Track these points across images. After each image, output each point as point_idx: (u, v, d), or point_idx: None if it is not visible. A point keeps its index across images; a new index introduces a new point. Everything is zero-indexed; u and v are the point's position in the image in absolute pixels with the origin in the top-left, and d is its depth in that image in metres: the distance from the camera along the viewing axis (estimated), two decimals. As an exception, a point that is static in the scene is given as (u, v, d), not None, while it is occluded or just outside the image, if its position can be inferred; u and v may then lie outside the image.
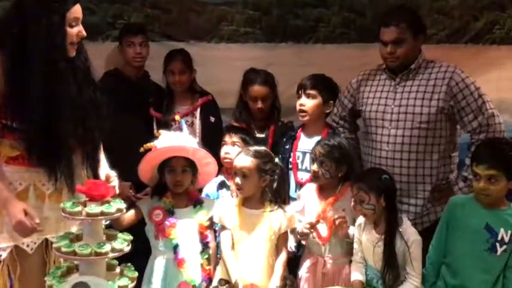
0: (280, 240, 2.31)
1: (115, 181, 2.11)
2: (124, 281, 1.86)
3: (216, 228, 2.46)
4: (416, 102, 2.52)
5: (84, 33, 2.01)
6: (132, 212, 2.31)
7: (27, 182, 2.00)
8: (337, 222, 2.31)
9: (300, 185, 2.62)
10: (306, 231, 2.35)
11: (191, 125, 2.92)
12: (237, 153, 2.41)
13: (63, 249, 1.79)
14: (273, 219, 2.29)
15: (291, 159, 2.69)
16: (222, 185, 2.63)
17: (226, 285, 2.08)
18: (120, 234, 1.91)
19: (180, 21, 3.31)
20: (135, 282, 1.93)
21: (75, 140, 2.01)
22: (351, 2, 3.48)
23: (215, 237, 2.47)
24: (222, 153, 2.63)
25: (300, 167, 2.67)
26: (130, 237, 1.92)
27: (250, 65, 3.02)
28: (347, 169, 2.41)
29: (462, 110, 2.50)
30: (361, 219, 2.31)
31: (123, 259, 1.96)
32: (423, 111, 2.50)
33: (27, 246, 1.98)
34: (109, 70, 3.05)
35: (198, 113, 2.96)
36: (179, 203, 2.37)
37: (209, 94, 3.01)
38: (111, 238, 1.87)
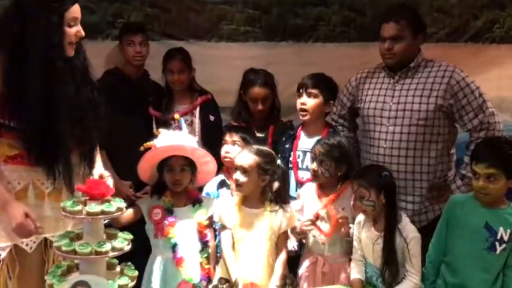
0: (280, 240, 2.31)
1: (109, 180, 2.11)
2: (124, 280, 1.86)
3: (216, 227, 2.47)
4: (415, 99, 2.53)
5: (82, 33, 2.00)
6: (130, 210, 2.31)
7: (26, 181, 2.00)
8: (340, 221, 2.31)
9: (300, 184, 2.62)
10: (305, 228, 2.36)
11: (190, 124, 2.92)
12: (240, 151, 2.42)
13: (64, 248, 1.80)
14: (273, 218, 2.29)
15: (291, 159, 2.69)
16: (222, 184, 2.63)
17: (226, 284, 2.08)
18: (120, 233, 1.91)
19: (180, 20, 3.30)
20: (135, 281, 1.93)
21: (73, 140, 2.01)
22: (351, 1, 3.47)
23: (215, 236, 2.48)
24: (222, 153, 2.63)
25: (300, 166, 2.67)
26: (130, 236, 1.93)
27: (250, 64, 3.01)
28: (346, 168, 2.42)
29: (462, 108, 2.50)
30: (360, 217, 2.31)
31: (123, 258, 1.96)
32: (421, 108, 2.51)
33: (27, 245, 1.98)
34: (109, 69, 3.05)
35: (197, 111, 2.95)
36: (178, 202, 2.37)
37: (208, 93, 3.01)
38: (111, 237, 1.87)
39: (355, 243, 2.33)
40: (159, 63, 2.97)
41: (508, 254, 2.16)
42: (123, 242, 1.87)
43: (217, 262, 2.43)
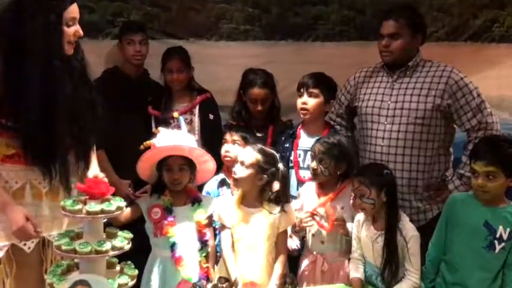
0: (280, 239, 2.31)
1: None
2: (124, 279, 1.86)
3: (216, 227, 2.47)
4: (413, 98, 2.55)
5: (81, 32, 2.00)
6: (128, 209, 2.31)
7: (23, 180, 2.00)
8: (335, 223, 2.31)
9: (301, 183, 2.63)
10: (305, 225, 2.36)
11: (190, 123, 2.91)
12: (246, 147, 2.43)
13: (64, 248, 1.80)
14: (272, 218, 2.29)
15: (291, 158, 2.70)
16: (222, 183, 2.63)
17: (226, 283, 2.08)
18: (120, 233, 1.91)
19: (180, 19, 3.30)
20: (135, 280, 1.93)
21: (70, 139, 2.01)
22: (350, 0, 3.47)
23: (215, 235, 2.48)
24: (223, 152, 2.64)
25: (301, 165, 2.68)
26: (130, 235, 1.92)
27: (249, 62, 3.01)
28: (346, 167, 2.42)
29: (461, 108, 2.52)
30: (359, 216, 2.32)
31: (123, 257, 1.96)
32: (419, 107, 2.52)
33: (25, 245, 1.98)
34: (108, 68, 3.05)
35: (196, 110, 2.95)
36: (178, 201, 2.37)
37: (207, 92, 3.01)
38: (111, 236, 1.87)
39: (354, 242, 2.33)
40: (159, 62, 2.97)
41: (508, 253, 2.16)
42: (123, 241, 1.87)
43: (216, 262, 2.43)
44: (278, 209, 2.29)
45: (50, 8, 1.90)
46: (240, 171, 2.29)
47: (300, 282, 2.39)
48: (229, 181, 2.60)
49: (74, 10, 1.98)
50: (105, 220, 1.97)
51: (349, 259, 2.36)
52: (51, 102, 1.91)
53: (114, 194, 1.96)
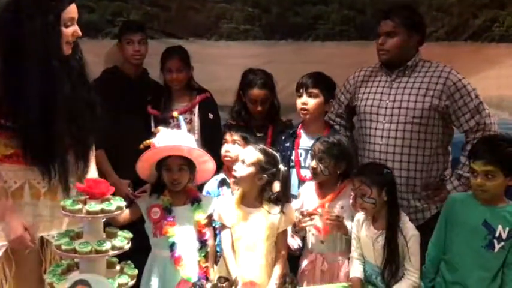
0: (279, 239, 2.31)
1: None
2: (124, 279, 1.86)
3: (216, 226, 2.47)
4: (411, 97, 2.56)
5: (79, 33, 2.00)
6: (127, 211, 2.31)
7: (22, 180, 1.99)
8: (328, 221, 2.31)
9: (303, 182, 2.63)
10: (304, 225, 2.36)
11: (190, 122, 2.91)
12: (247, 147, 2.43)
13: (64, 247, 1.79)
14: (272, 217, 2.29)
15: (292, 157, 2.69)
16: (222, 183, 2.63)
17: (226, 282, 2.08)
18: (120, 232, 1.91)
19: (180, 18, 3.30)
20: (135, 280, 1.93)
21: (69, 139, 2.01)
22: (350, 0, 3.47)
23: (215, 235, 2.48)
24: (223, 151, 2.63)
25: (302, 164, 2.68)
26: (130, 235, 1.92)
27: (249, 62, 3.02)
28: (346, 167, 2.42)
29: (459, 109, 2.53)
30: (359, 215, 2.32)
31: (123, 257, 1.96)
32: (417, 106, 2.53)
33: None
34: (108, 68, 3.05)
35: (196, 110, 2.95)
36: (177, 201, 2.37)
37: (207, 91, 3.01)
38: (111, 236, 1.87)
39: (353, 241, 2.33)
40: (159, 62, 2.97)
41: (507, 252, 2.16)
42: (122, 240, 1.86)
43: (216, 261, 2.43)
44: (278, 209, 2.29)
45: (48, 8, 1.90)
46: (240, 170, 2.29)
47: (299, 281, 2.39)
48: (230, 181, 2.60)
49: (72, 10, 1.97)
50: (103, 220, 1.97)
51: (348, 259, 2.36)
52: (50, 102, 1.91)
53: (113, 194, 1.95)
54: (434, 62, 2.64)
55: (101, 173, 2.51)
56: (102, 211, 1.82)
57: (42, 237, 2.03)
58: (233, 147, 2.61)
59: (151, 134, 2.45)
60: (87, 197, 1.86)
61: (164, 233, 2.29)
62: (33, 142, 1.91)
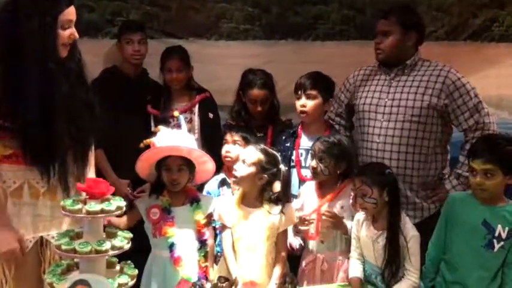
0: (280, 239, 2.30)
1: None
2: (124, 279, 1.86)
3: (217, 226, 2.47)
4: (409, 96, 2.57)
5: (76, 35, 1.99)
6: (124, 218, 2.30)
7: (21, 180, 1.99)
8: (323, 217, 2.32)
9: (303, 182, 2.63)
10: (302, 228, 2.37)
11: (190, 122, 2.92)
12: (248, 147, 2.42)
13: (63, 247, 1.79)
14: (272, 218, 2.28)
15: (293, 157, 2.69)
16: (223, 183, 2.63)
17: (226, 282, 2.08)
18: (120, 232, 1.91)
19: (179, 18, 3.30)
20: (135, 280, 1.93)
21: (68, 140, 2.01)
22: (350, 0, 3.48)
23: (215, 234, 2.48)
24: (223, 152, 2.63)
25: (303, 164, 2.68)
26: (130, 235, 1.92)
27: (249, 62, 3.02)
28: (346, 166, 2.42)
29: (458, 108, 2.53)
30: (359, 215, 2.32)
31: (123, 256, 1.96)
32: (415, 105, 2.54)
33: None
34: (107, 67, 3.04)
35: (196, 109, 2.95)
36: (176, 201, 2.37)
37: (207, 91, 3.01)
38: (111, 236, 1.87)
39: (353, 241, 2.33)
40: (158, 62, 2.97)
41: (507, 252, 2.16)
42: (122, 240, 1.86)
43: (216, 261, 2.43)
44: (278, 209, 2.29)
45: (46, 9, 1.90)
46: (241, 169, 2.29)
47: (300, 281, 2.39)
48: (230, 181, 2.60)
49: (70, 12, 1.97)
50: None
51: (348, 258, 2.36)
52: (48, 102, 1.90)
53: (113, 194, 1.95)
54: (434, 61, 2.65)
55: (100, 172, 2.52)
56: (102, 211, 1.81)
57: (41, 237, 2.02)
58: (233, 147, 2.61)
59: (152, 133, 2.45)
60: (87, 197, 1.86)
61: (163, 234, 2.29)
62: (32, 142, 1.91)
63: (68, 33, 1.97)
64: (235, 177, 2.31)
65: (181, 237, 2.31)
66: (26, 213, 2.00)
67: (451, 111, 2.55)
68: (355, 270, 2.29)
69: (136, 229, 2.25)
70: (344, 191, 2.41)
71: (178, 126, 2.72)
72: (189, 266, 2.30)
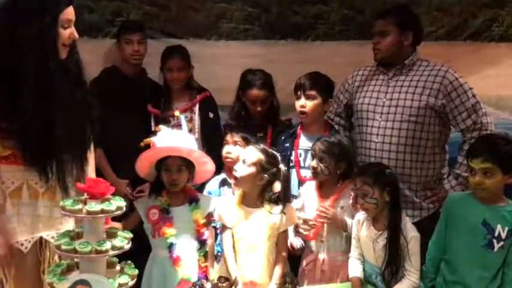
0: (280, 239, 2.30)
1: None
2: (124, 279, 1.86)
3: (217, 226, 2.47)
4: (407, 96, 2.57)
5: (76, 35, 1.99)
6: (119, 224, 2.30)
7: (20, 180, 1.99)
8: (317, 212, 2.33)
9: (303, 182, 2.63)
10: (303, 232, 2.38)
11: (190, 121, 2.92)
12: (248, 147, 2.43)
13: (64, 247, 1.79)
14: (273, 217, 2.29)
15: (292, 157, 2.69)
16: (223, 183, 2.63)
17: (226, 282, 2.08)
18: (120, 232, 1.91)
19: (179, 18, 3.30)
20: (135, 280, 1.93)
21: (66, 141, 2.01)
22: (350, -1, 3.49)
23: (216, 234, 2.48)
24: (224, 153, 2.64)
25: (302, 164, 2.68)
26: (130, 235, 1.92)
27: (249, 62, 3.02)
28: (346, 167, 2.42)
29: (455, 108, 2.54)
30: (359, 216, 2.32)
31: (123, 256, 1.96)
32: (413, 104, 2.55)
33: (22, 245, 1.98)
34: (106, 67, 3.04)
35: (196, 108, 2.95)
36: (175, 201, 2.37)
37: (207, 90, 3.01)
38: (111, 236, 1.87)
39: (353, 241, 2.33)
40: (158, 62, 2.97)
41: (507, 252, 2.17)
42: (123, 240, 1.86)
43: (216, 261, 2.43)
44: (278, 209, 2.29)
45: (46, 9, 1.89)
46: (241, 170, 2.29)
47: (300, 281, 2.39)
48: (230, 181, 2.60)
49: (69, 12, 1.97)
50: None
51: (348, 258, 2.36)
52: (47, 103, 1.90)
53: (113, 194, 1.95)
54: (432, 61, 2.66)
55: (100, 172, 2.52)
56: (103, 211, 1.81)
57: (41, 238, 2.02)
58: (234, 148, 2.61)
59: (152, 133, 2.45)
60: (88, 197, 1.86)
61: (162, 234, 2.29)
62: (30, 143, 1.90)
63: (68, 32, 1.96)
64: (235, 178, 2.31)
65: (181, 237, 2.31)
66: (25, 213, 1.99)
67: (448, 111, 2.56)
68: (355, 270, 2.30)
69: (137, 229, 2.25)
70: (344, 191, 2.41)
71: (179, 125, 2.72)
72: (189, 266, 2.30)
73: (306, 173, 2.63)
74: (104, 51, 3.14)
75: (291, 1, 3.43)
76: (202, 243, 2.36)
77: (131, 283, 1.88)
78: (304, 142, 2.70)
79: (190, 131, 2.79)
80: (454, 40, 3.61)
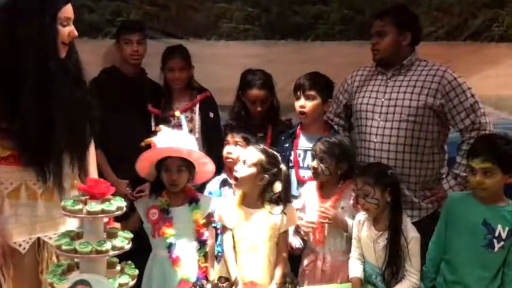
0: (281, 239, 2.30)
1: None
2: (124, 279, 1.86)
3: (218, 226, 2.47)
4: (406, 95, 2.58)
5: (75, 33, 1.99)
6: (119, 225, 2.30)
7: (19, 181, 1.99)
8: (318, 213, 2.33)
9: (302, 183, 2.63)
10: (306, 230, 2.37)
11: (190, 121, 2.92)
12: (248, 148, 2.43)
13: (64, 247, 1.79)
14: (274, 217, 2.28)
15: (291, 157, 2.69)
16: (224, 183, 2.64)
17: (227, 282, 2.08)
18: (120, 232, 1.90)
19: (179, 18, 3.30)
20: (135, 280, 1.93)
21: (65, 141, 2.00)
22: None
23: (216, 235, 2.48)
24: (225, 153, 2.64)
25: (301, 164, 2.68)
26: (130, 235, 1.92)
27: (249, 62, 3.02)
28: (347, 167, 2.42)
29: (454, 108, 2.54)
30: (360, 216, 2.32)
31: (123, 256, 1.96)
32: (411, 104, 2.55)
33: (20, 245, 1.98)
34: (105, 67, 3.04)
35: (197, 108, 2.95)
36: (175, 201, 2.37)
37: (207, 90, 3.01)
38: (111, 236, 1.87)
39: (354, 241, 2.33)
40: (158, 62, 2.97)
41: (507, 252, 2.17)
42: (123, 241, 1.86)
43: (217, 261, 2.43)
44: (279, 209, 2.29)
45: (45, 8, 1.89)
46: (242, 170, 2.29)
47: (300, 281, 2.39)
48: (231, 181, 2.59)
49: (68, 10, 1.97)
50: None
51: (349, 258, 2.36)
52: (46, 103, 1.90)
53: (113, 194, 1.95)
54: (431, 61, 2.66)
55: (100, 172, 2.51)
56: (103, 211, 1.81)
57: (39, 238, 2.02)
58: (235, 148, 2.61)
59: (152, 133, 2.45)
60: (88, 197, 1.86)
61: (162, 234, 2.29)
62: (29, 143, 1.90)
63: (68, 31, 1.96)
64: (236, 179, 2.31)
65: (180, 238, 2.31)
66: (23, 214, 1.99)
67: (447, 111, 2.56)
68: (356, 270, 2.30)
69: (137, 229, 2.25)
70: (345, 191, 2.41)
71: (179, 125, 2.72)
72: (188, 266, 2.30)
73: (305, 173, 2.63)
74: (104, 51, 3.14)
75: (291, 1, 3.43)
76: (202, 243, 2.36)
77: (131, 283, 1.88)
78: (303, 142, 2.70)
79: (191, 131, 2.79)
80: (454, 40, 3.61)
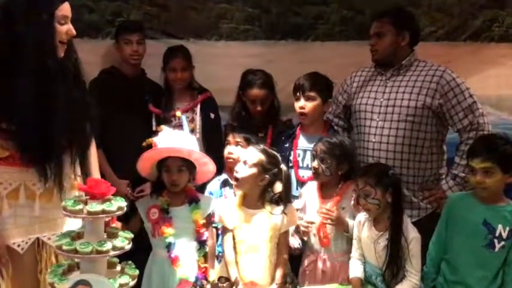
0: (281, 240, 2.30)
1: None
2: (125, 279, 1.86)
3: (218, 227, 2.46)
4: (404, 96, 2.58)
5: (73, 31, 1.98)
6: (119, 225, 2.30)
7: (18, 182, 1.99)
8: (321, 214, 2.32)
9: (301, 183, 2.63)
10: (305, 230, 2.37)
11: (191, 121, 2.92)
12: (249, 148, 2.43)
13: (65, 247, 1.79)
14: (274, 218, 2.28)
15: (291, 158, 2.69)
16: (225, 183, 2.64)
17: (227, 283, 2.08)
18: (121, 232, 1.91)
19: (180, 18, 3.31)
20: (135, 280, 1.93)
21: (65, 140, 2.00)
22: (349, 0, 3.48)
23: (216, 235, 2.48)
24: (226, 153, 2.64)
25: (301, 164, 2.68)
26: (131, 235, 1.92)
27: (249, 62, 3.02)
28: (348, 167, 2.42)
29: (452, 108, 2.54)
30: (360, 216, 2.32)
31: (124, 257, 1.96)
32: (410, 104, 2.56)
33: (18, 246, 1.98)
34: (105, 68, 3.04)
35: (198, 109, 2.96)
36: (176, 201, 2.37)
37: (208, 91, 3.02)
38: (112, 236, 1.87)
39: (354, 242, 2.33)
40: (159, 62, 2.97)
41: (508, 252, 2.17)
42: (123, 241, 1.86)
43: (218, 261, 2.43)
44: (280, 210, 2.29)
45: (42, 7, 1.90)
46: (242, 171, 2.28)
47: (301, 281, 2.39)
48: (232, 182, 2.59)
49: (65, 8, 1.96)
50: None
51: (349, 259, 2.35)
52: (46, 103, 1.90)
53: (114, 194, 1.95)
54: (429, 61, 2.66)
55: (100, 173, 2.51)
56: (103, 211, 1.81)
57: (38, 238, 2.03)
58: (236, 149, 2.61)
59: (153, 133, 2.45)
60: (88, 197, 1.86)
61: (161, 234, 2.30)
62: (29, 143, 1.90)
63: (65, 29, 1.96)
64: (236, 179, 2.31)
65: (180, 237, 2.31)
66: (21, 214, 2.00)
67: (445, 111, 2.56)
68: (356, 270, 2.29)
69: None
70: (346, 192, 2.41)
71: (180, 125, 2.72)
72: (188, 266, 2.30)
73: (304, 173, 2.63)
74: (104, 51, 3.14)
75: (291, 2, 3.43)
76: (201, 243, 2.35)
77: (132, 283, 1.88)
78: (303, 142, 2.70)
79: (192, 131, 2.79)
80: (454, 40, 3.61)
